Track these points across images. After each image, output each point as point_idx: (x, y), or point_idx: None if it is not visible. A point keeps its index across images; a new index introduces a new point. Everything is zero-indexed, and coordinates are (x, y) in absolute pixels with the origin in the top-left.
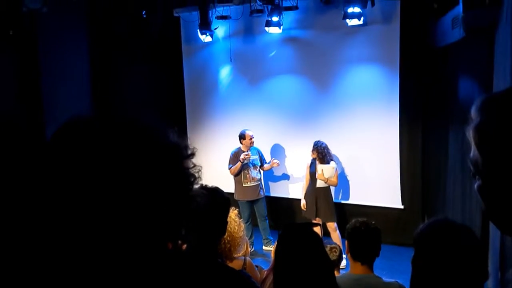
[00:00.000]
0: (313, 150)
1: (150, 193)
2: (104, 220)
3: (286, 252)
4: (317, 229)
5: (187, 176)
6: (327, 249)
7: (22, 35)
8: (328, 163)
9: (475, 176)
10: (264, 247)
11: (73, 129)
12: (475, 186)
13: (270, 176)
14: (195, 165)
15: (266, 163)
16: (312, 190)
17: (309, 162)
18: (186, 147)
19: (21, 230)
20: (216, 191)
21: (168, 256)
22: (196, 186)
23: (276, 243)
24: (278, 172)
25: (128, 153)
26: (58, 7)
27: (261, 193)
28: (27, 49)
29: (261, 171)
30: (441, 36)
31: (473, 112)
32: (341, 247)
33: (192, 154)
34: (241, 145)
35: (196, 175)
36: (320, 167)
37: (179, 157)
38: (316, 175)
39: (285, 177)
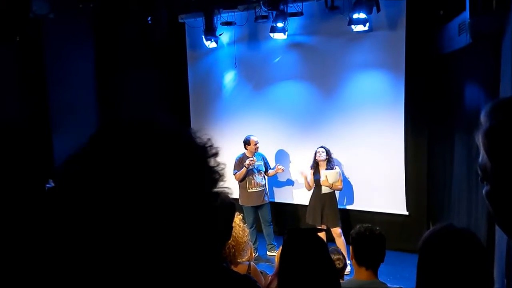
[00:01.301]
0: (326, 154)
1: (181, 192)
2: (140, 219)
3: (291, 257)
4: (322, 235)
5: (214, 173)
6: None
7: (29, 41)
8: (332, 169)
9: (483, 181)
10: (268, 252)
11: (109, 132)
12: (483, 191)
13: (275, 181)
14: (219, 164)
15: (270, 168)
16: (318, 197)
17: (312, 170)
18: (211, 146)
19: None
20: (221, 196)
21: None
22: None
23: (280, 248)
24: (282, 178)
25: (160, 153)
26: (64, 13)
27: (266, 198)
28: (34, 54)
29: (266, 177)
30: (447, 42)
31: (483, 116)
32: (346, 253)
33: (217, 153)
34: (245, 151)
35: (221, 172)
36: (323, 173)
37: (206, 156)
38: (321, 182)
39: (290, 183)
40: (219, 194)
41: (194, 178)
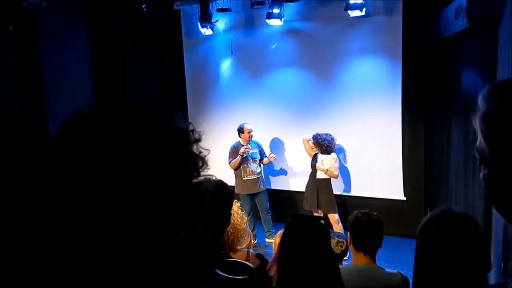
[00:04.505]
0: (313, 144)
1: (159, 180)
2: (116, 210)
3: (294, 241)
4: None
5: (196, 160)
6: (334, 242)
7: (23, 30)
8: (329, 154)
9: (480, 165)
10: (266, 240)
11: (77, 121)
12: (481, 175)
13: (271, 169)
14: (202, 150)
15: (266, 157)
16: (313, 182)
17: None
18: (193, 131)
19: (27, 229)
20: (219, 184)
21: (180, 245)
22: (205, 171)
23: (278, 235)
24: (278, 165)
25: (134, 140)
26: (58, 1)
27: (261, 186)
28: (28, 44)
29: (261, 165)
30: (445, 26)
31: (480, 100)
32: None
33: (199, 139)
34: (240, 139)
35: (205, 159)
36: (320, 157)
37: (187, 142)
38: (316, 165)
39: (286, 170)
40: (202, 180)
41: (174, 163)
